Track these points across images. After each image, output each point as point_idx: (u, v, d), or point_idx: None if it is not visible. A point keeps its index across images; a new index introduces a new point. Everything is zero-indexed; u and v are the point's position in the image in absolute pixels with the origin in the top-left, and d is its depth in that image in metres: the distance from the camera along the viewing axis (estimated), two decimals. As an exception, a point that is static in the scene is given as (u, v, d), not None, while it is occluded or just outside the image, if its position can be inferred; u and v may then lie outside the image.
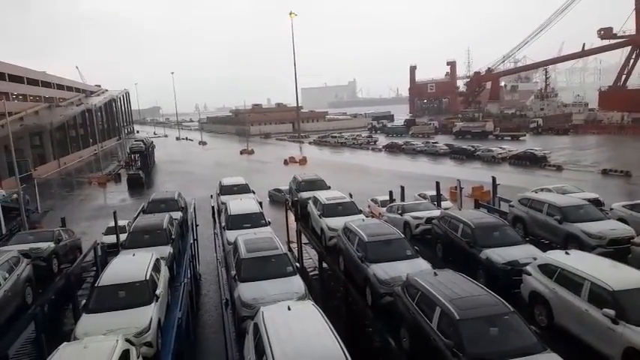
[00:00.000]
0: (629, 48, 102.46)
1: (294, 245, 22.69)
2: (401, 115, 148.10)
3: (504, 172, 48.52)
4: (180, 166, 71.62)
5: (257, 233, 14.96)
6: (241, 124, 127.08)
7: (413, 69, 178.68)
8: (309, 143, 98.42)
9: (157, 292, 11.27)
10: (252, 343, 8.90)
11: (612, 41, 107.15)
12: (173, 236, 16.64)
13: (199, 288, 22.54)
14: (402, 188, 26.29)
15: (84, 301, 11.15)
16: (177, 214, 20.14)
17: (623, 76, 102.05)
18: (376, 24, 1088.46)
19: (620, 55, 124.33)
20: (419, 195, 28.18)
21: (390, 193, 26.62)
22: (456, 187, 26.18)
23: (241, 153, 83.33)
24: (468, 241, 13.41)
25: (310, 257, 21.59)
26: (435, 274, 10.36)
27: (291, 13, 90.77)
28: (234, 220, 17.73)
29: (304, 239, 20.86)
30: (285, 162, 67.03)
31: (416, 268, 11.69)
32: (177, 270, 15.84)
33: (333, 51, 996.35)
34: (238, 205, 19.21)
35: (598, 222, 14.09)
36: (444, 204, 23.92)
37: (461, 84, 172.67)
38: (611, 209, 17.40)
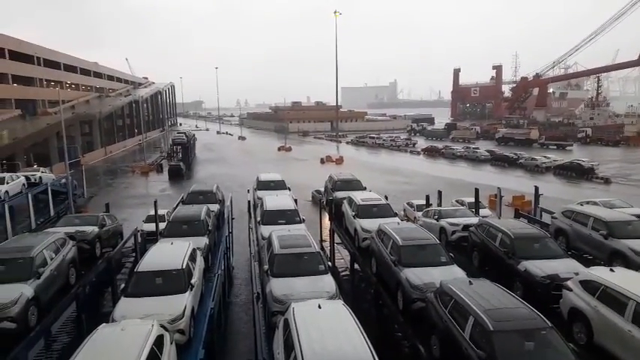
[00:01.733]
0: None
1: (326, 244, 22.71)
2: (442, 118, 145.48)
3: (548, 182, 46.82)
4: (219, 159, 73.10)
5: (291, 230, 15.09)
6: (280, 121, 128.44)
7: (457, 72, 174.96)
8: (347, 143, 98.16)
9: (192, 281, 11.58)
10: (281, 338, 8.99)
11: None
12: (210, 228, 17.05)
13: (232, 280, 22.94)
14: (440, 193, 25.81)
15: (123, 285, 11.61)
16: (215, 207, 20.61)
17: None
18: (420, 25, 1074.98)
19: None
20: (456, 201, 27.61)
21: (427, 197, 26.20)
22: (495, 194, 25.48)
23: (279, 150, 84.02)
24: (507, 252, 13.05)
25: (342, 257, 21.51)
26: (470, 282, 10.14)
27: (335, 12, 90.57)
28: (270, 215, 17.96)
29: (337, 239, 20.84)
30: (322, 161, 67.13)
31: (450, 275, 11.47)
32: (212, 261, 16.20)
33: (374, 51, 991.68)
34: (274, 201, 19.45)
35: (647, 240, 13.35)
36: (482, 212, 23.31)
37: (506, 89, 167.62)
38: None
